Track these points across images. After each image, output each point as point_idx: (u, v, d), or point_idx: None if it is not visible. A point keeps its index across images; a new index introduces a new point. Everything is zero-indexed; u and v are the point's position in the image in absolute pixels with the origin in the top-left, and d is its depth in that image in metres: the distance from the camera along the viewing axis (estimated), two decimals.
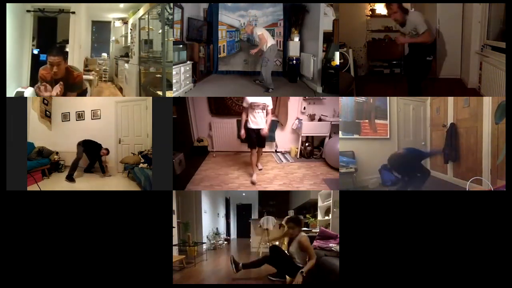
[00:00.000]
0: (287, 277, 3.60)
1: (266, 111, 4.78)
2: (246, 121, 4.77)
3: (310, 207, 6.33)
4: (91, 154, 5.73)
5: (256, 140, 4.80)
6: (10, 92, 4.27)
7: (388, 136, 5.17)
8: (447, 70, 5.16)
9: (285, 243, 3.94)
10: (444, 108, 5.17)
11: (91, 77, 6.80)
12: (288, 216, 4.23)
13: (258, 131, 4.75)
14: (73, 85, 3.85)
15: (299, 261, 3.53)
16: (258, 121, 4.72)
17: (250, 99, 4.70)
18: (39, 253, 2.86)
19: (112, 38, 8.81)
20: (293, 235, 3.62)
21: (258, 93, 5.74)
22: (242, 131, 4.82)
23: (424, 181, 4.06)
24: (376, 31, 5.79)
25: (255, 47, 6.22)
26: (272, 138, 6.92)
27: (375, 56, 5.78)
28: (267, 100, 4.75)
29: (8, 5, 3.65)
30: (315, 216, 5.73)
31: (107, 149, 5.79)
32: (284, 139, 7.02)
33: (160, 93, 4.78)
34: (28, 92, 4.38)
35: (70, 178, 5.24)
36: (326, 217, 5.20)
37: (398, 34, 4.40)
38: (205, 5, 7.30)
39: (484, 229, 2.84)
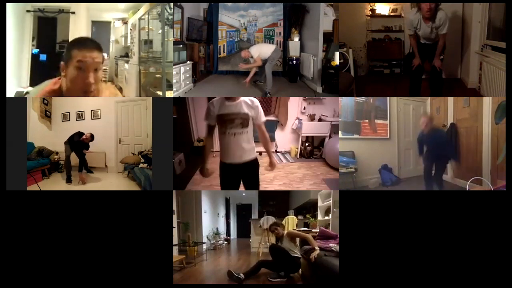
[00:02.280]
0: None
1: (259, 128, 2.79)
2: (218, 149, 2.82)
3: (310, 207, 6.33)
4: (77, 147, 5.34)
5: (235, 182, 2.82)
6: (10, 92, 4.28)
7: (388, 136, 5.17)
8: (447, 70, 5.16)
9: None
10: (444, 108, 5.17)
11: None
12: (270, 224, 4.52)
13: (240, 167, 2.75)
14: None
15: (293, 250, 3.88)
16: (236, 150, 2.70)
17: (216, 107, 2.68)
18: (39, 253, 2.86)
19: (112, 38, 8.80)
20: (279, 233, 4.05)
21: (254, 94, 5.52)
22: (207, 167, 2.92)
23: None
24: (376, 31, 5.79)
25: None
26: (272, 138, 6.92)
27: (375, 56, 5.77)
28: (250, 106, 2.70)
29: (8, 5, 3.64)
30: (315, 216, 5.73)
31: (90, 134, 5.30)
32: (284, 139, 7.02)
33: (160, 93, 4.78)
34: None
35: (69, 180, 5.22)
36: (326, 217, 5.20)
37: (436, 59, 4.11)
38: (205, 5, 7.31)
39: (484, 229, 2.84)
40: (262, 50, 5.76)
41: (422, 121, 4.17)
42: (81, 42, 2.19)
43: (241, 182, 2.86)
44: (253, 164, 2.79)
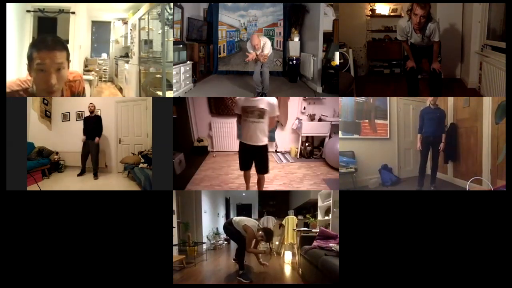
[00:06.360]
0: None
1: (269, 119, 3.53)
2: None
3: (310, 207, 6.33)
4: (91, 128, 5.74)
5: (249, 161, 3.65)
6: None
7: (388, 136, 5.16)
8: (447, 70, 5.16)
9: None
10: (444, 108, 5.16)
11: (91, 77, 6.81)
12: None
13: (254, 148, 3.53)
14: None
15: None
16: (252, 134, 3.48)
17: (242, 101, 3.51)
18: (39, 253, 2.86)
19: (112, 38, 8.82)
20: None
21: (252, 94, 5.47)
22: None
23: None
24: (376, 31, 5.78)
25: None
26: (272, 138, 6.91)
27: (375, 56, 5.77)
28: (268, 103, 3.46)
29: (8, 5, 3.64)
30: (315, 216, 5.73)
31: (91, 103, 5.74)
32: (284, 139, 7.02)
33: (160, 93, 4.77)
34: None
35: (95, 175, 5.59)
36: (326, 217, 5.19)
37: (409, 61, 4.18)
38: (205, 5, 7.30)
39: (484, 229, 2.84)
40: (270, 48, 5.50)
41: (430, 99, 4.39)
42: (40, 43, 2.10)
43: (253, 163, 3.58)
44: (264, 148, 3.54)
